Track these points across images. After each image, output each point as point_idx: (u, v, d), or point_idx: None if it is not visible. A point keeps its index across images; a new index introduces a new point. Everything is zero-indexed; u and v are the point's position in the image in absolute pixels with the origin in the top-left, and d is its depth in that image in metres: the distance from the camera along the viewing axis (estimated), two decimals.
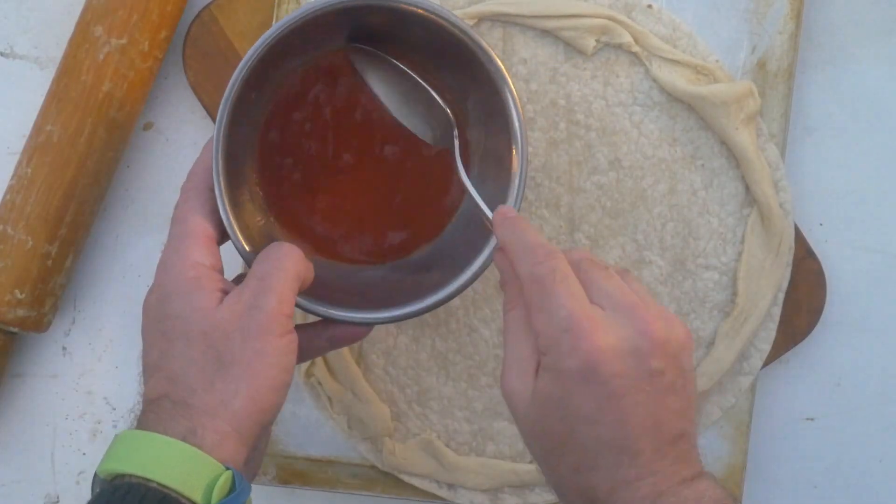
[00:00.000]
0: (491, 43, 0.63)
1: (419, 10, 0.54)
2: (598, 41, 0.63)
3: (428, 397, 0.64)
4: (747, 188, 0.63)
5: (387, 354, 0.65)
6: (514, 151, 0.56)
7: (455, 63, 0.56)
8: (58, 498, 0.68)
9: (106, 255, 0.67)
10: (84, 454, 0.68)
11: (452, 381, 0.64)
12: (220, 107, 0.52)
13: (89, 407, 0.68)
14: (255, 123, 0.57)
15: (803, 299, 0.65)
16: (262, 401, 0.47)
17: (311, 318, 0.55)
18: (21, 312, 0.63)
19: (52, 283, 0.63)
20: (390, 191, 0.60)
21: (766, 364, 0.65)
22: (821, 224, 0.67)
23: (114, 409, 0.68)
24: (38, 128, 0.63)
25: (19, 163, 0.64)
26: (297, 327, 0.51)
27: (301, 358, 0.52)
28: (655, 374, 0.45)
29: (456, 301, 0.63)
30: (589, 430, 0.45)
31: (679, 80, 0.63)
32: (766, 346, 0.64)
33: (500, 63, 0.55)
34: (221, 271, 0.51)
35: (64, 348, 0.68)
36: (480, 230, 0.56)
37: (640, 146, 0.63)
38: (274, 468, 0.66)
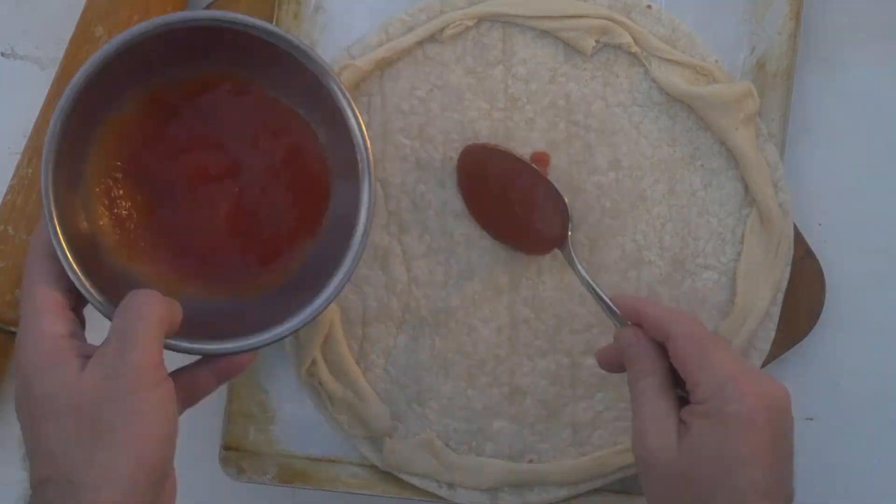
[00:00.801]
0: (490, 43, 0.63)
1: (223, 26, 0.53)
2: (597, 41, 0.63)
3: (427, 397, 0.64)
4: (746, 188, 0.63)
5: (387, 354, 0.65)
6: (356, 153, 0.56)
7: (281, 71, 0.56)
8: None
9: None
10: None
11: (452, 381, 0.64)
12: (45, 147, 0.51)
13: None
14: (96, 162, 0.56)
15: (803, 299, 0.65)
16: (148, 459, 0.45)
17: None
18: None
19: None
20: (249, 219, 0.58)
21: (765, 364, 0.65)
22: (820, 224, 0.67)
23: None
24: (39, 128, 0.64)
25: (20, 163, 0.64)
26: (176, 372, 0.50)
27: (191, 401, 0.52)
28: (790, 432, 0.49)
29: (455, 301, 0.63)
30: (745, 472, 0.47)
31: (678, 80, 0.63)
32: (766, 346, 0.64)
33: (319, 58, 0.55)
34: (81, 336, 0.49)
35: None
36: (341, 241, 0.56)
37: (639, 146, 0.63)
38: (274, 468, 0.66)
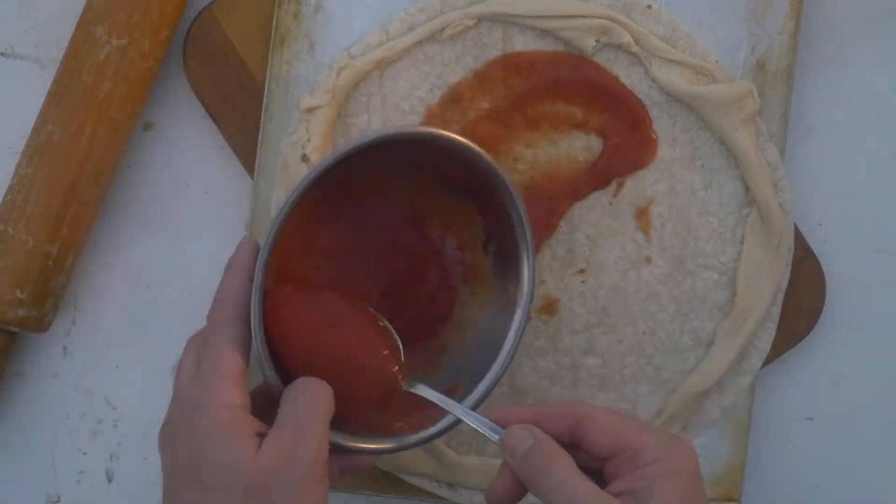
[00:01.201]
0: (490, 43, 0.63)
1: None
2: (597, 41, 0.63)
3: None
4: (746, 188, 0.63)
5: None
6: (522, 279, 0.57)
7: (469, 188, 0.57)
8: (58, 497, 0.68)
9: (107, 255, 0.68)
10: (85, 454, 0.68)
11: None
12: (264, 245, 0.51)
13: (90, 407, 0.68)
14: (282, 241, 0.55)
15: (803, 299, 0.65)
16: None
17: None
18: (22, 312, 0.63)
19: (53, 283, 0.64)
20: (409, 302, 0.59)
21: (765, 364, 0.65)
22: (820, 224, 0.67)
23: (114, 408, 0.68)
24: (38, 128, 0.64)
25: (20, 163, 0.64)
26: None
27: None
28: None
29: None
30: None
31: (678, 80, 0.63)
32: (766, 346, 0.64)
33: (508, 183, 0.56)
34: (250, 408, 0.49)
35: (64, 348, 0.68)
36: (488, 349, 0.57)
37: None
38: None
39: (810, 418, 0.67)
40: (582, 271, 0.64)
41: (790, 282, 0.64)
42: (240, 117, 0.65)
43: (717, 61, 0.63)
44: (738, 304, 0.63)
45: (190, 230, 0.67)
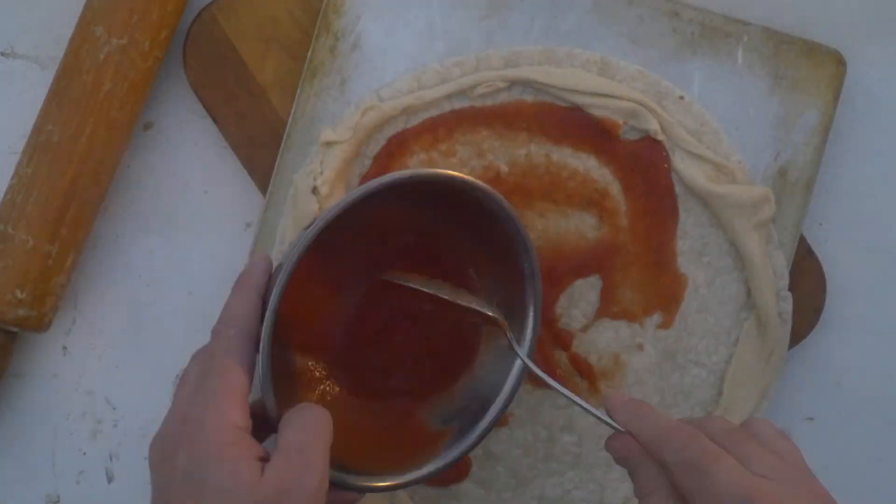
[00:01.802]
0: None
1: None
2: (625, 123, 0.62)
3: None
4: (749, 292, 0.63)
5: None
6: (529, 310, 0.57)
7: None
8: (58, 497, 0.68)
9: (106, 254, 0.68)
10: (84, 454, 0.68)
11: None
12: (283, 271, 0.50)
13: (90, 407, 0.68)
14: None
15: (803, 299, 0.65)
16: None
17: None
18: (21, 312, 0.63)
19: (53, 283, 0.64)
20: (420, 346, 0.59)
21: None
22: (821, 224, 0.67)
23: (114, 408, 0.68)
24: (38, 127, 0.64)
25: (20, 162, 0.64)
26: None
27: None
28: None
29: None
30: None
31: (699, 174, 0.62)
32: None
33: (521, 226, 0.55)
34: (251, 430, 0.48)
35: (64, 348, 0.68)
36: (490, 386, 0.57)
37: None
38: None
39: (810, 418, 0.67)
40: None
41: (790, 282, 0.64)
42: (240, 117, 0.65)
43: (739, 162, 0.63)
44: (723, 405, 0.63)
45: (190, 230, 0.67)
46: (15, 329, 0.64)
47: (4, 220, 0.63)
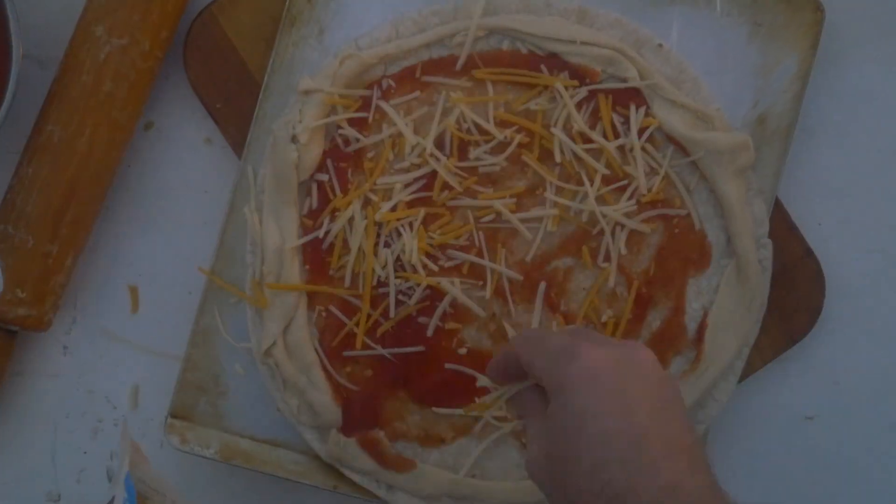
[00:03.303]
0: None
1: None
2: (603, 71, 0.62)
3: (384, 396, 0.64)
4: (728, 239, 0.63)
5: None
6: None
7: None
8: (59, 496, 0.68)
9: (107, 254, 0.68)
10: (85, 452, 0.68)
11: None
12: None
13: (90, 405, 0.68)
14: None
15: (803, 299, 0.65)
16: None
17: None
18: (22, 311, 0.63)
19: (53, 282, 0.64)
20: None
21: (765, 364, 0.65)
22: (820, 224, 0.67)
23: (115, 407, 0.68)
24: (38, 128, 0.64)
25: (20, 163, 0.64)
26: None
27: None
28: (648, 379, 0.47)
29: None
30: (596, 423, 0.45)
31: (678, 122, 0.62)
32: (724, 398, 0.64)
33: None
34: None
35: (65, 347, 0.68)
36: None
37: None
38: (218, 443, 0.65)
39: (809, 417, 0.67)
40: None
41: (790, 282, 0.64)
42: (240, 117, 0.65)
43: (718, 109, 0.63)
44: (702, 352, 0.63)
45: (190, 230, 0.67)
46: (15, 328, 0.64)
47: (4, 219, 0.63)
